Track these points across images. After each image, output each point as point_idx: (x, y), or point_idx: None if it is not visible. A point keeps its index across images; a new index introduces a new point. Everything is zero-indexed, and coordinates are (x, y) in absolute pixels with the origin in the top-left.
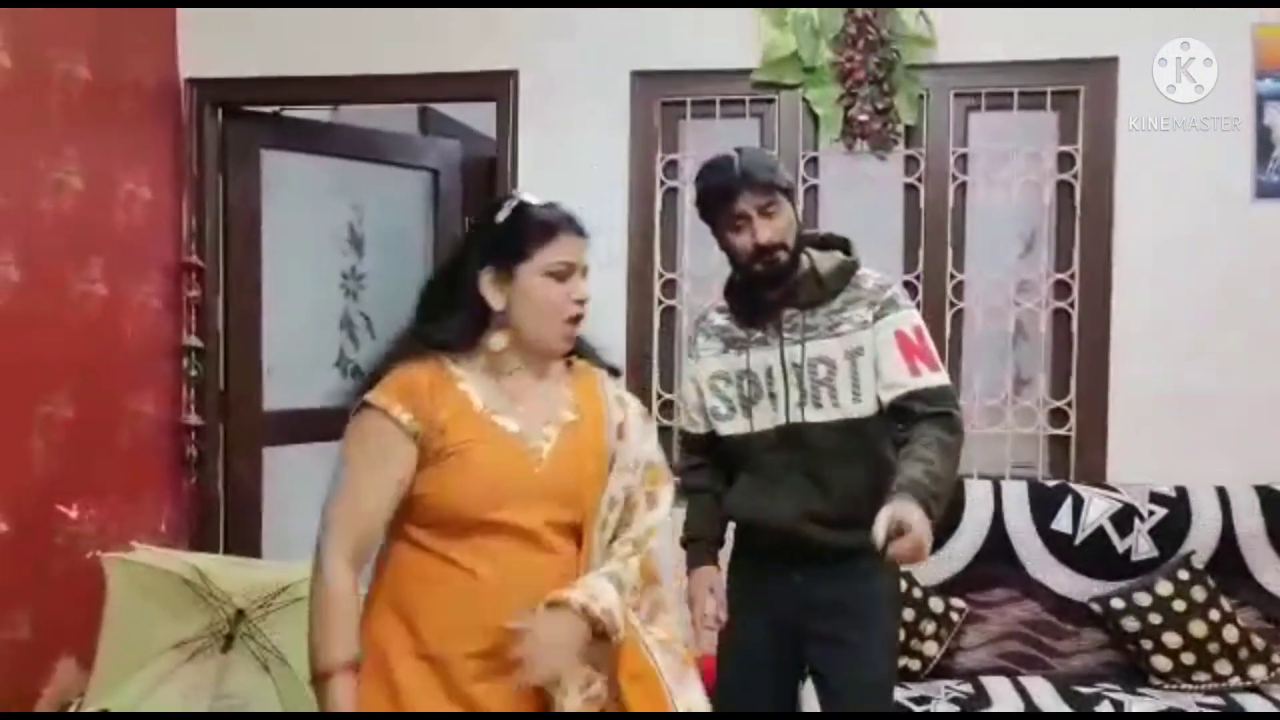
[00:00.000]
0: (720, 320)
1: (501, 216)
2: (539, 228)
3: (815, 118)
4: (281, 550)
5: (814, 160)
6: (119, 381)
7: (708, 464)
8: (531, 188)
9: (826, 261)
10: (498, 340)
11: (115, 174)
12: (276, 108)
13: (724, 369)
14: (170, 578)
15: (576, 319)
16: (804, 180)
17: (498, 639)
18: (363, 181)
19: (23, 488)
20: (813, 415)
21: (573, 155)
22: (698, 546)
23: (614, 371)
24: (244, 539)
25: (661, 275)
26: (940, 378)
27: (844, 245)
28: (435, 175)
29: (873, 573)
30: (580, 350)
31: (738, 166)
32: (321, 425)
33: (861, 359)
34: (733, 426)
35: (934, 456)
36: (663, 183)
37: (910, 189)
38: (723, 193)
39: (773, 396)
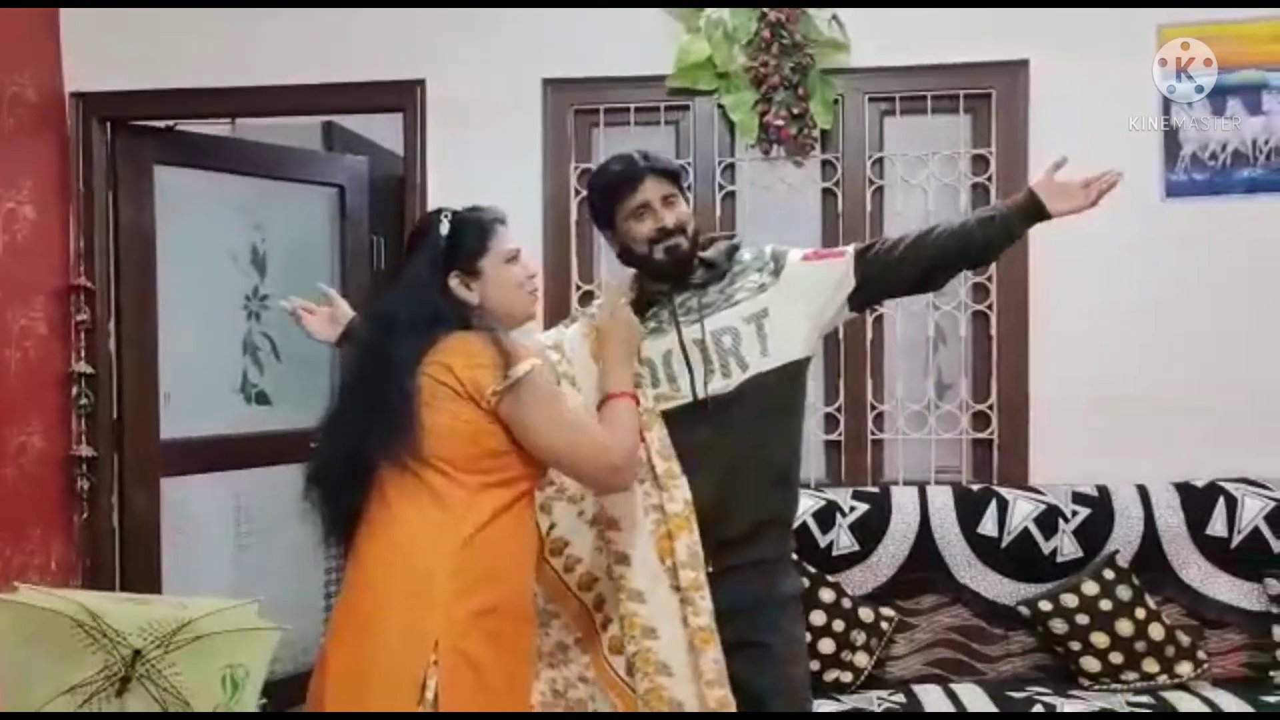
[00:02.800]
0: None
1: (444, 229)
2: (486, 225)
3: (731, 124)
4: (182, 586)
5: (730, 166)
6: (2, 412)
7: None
8: (443, 200)
9: (714, 249)
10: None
11: None
12: (170, 122)
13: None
14: (59, 619)
15: (534, 292)
16: (720, 186)
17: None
18: (264, 199)
19: None
20: (718, 385)
21: (484, 165)
22: None
23: None
24: (141, 575)
25: (579, 287)
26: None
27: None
28: (341, 191)
29: (781, 568)
30: None
31: (639, 157)
32: (224, 453)
33: (766, 320)
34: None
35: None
36: (577, 192)
37: (828, 194)
38: (626, 179)
39: (672, 380)
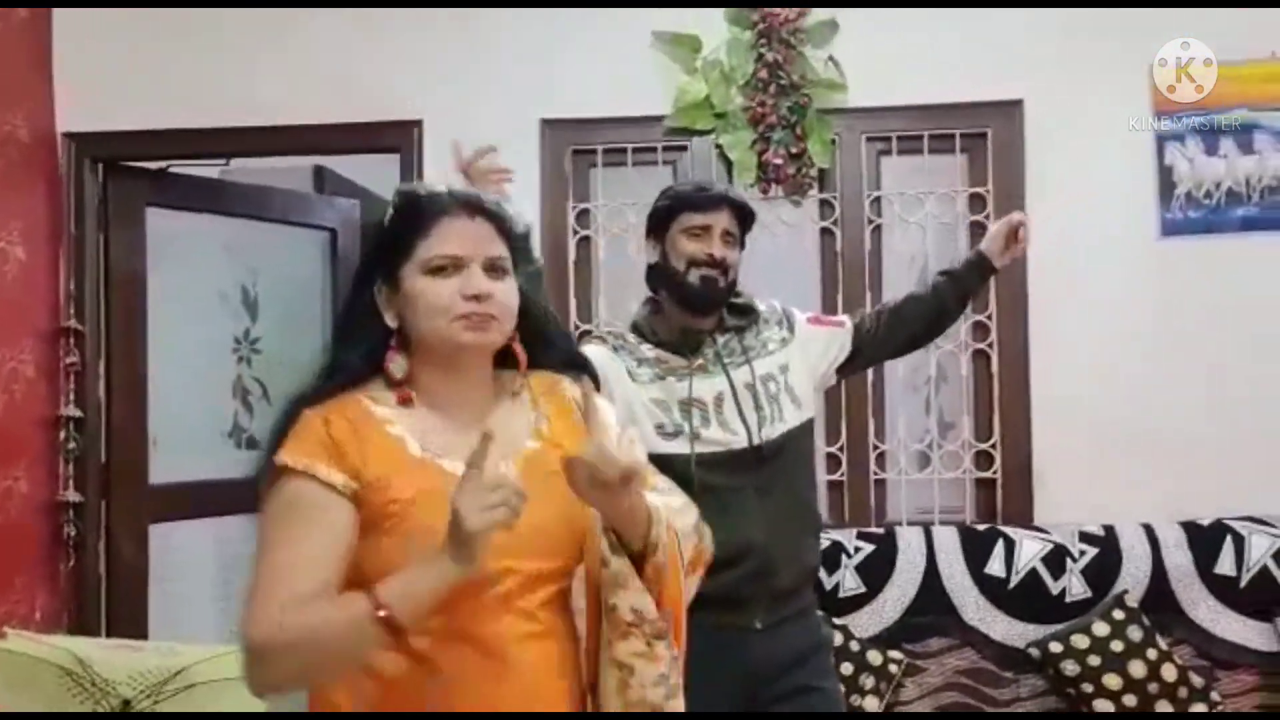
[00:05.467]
0: (649, 350)
1: (388, 216)
2: (415, 218)
3: (729, 163)
4: (169, 632)
5: None
6: None
7: None
8: None
9: (744, 296)
10: (396, 365)
11: None
12: (162, 164)
13: (663, 396)
14: (47, 667)
15: (473, 318)
16: None
17: None
18: (256, 241)
19: None
20: (770, 431)
21: None
22: None
23: (574, 366)
24: (128, 622)
25: (577, 327)
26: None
27: None
28: (333, 235)
29: (815, 614)
30: (539, 356)
31: (724, 189)
32: (213, 499)
33: (789, 374)
34: (676, 447)
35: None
36: (575, 232)
37: (826, 233)
38: (706, 199)
39: (724, 424)
